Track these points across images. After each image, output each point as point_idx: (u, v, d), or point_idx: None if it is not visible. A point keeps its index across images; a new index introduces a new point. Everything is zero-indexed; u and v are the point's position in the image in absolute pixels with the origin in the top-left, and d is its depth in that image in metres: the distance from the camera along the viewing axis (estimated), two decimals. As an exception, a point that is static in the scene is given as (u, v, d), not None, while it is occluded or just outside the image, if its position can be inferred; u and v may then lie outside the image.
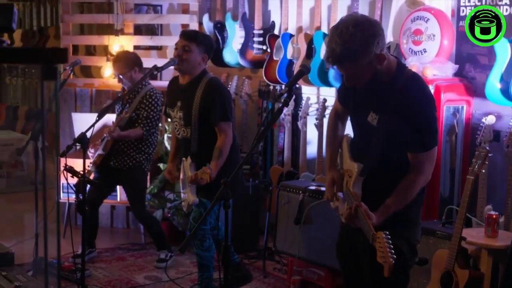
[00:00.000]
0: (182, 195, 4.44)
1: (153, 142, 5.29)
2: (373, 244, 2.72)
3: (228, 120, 4.22)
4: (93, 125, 4.18)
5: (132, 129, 5.14)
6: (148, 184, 5.62)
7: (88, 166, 5.00)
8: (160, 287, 4.90)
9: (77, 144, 4.17)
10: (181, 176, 4.36)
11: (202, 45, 4.25)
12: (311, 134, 5.56)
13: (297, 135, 5.76)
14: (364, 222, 2.83)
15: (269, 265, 5.23)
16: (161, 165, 5.82)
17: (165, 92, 4.65)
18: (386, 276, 2.65)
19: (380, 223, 2.89)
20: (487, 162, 3.71)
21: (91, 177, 5.10)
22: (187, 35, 4.29)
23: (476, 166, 3.66)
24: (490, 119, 4.20)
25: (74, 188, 4.01)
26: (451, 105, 4.52)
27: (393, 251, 2.63)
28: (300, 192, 4.71)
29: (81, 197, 3.97)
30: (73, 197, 4.99)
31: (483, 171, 3.79)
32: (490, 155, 3.71)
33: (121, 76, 5.19)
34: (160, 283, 4.94)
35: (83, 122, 5.53)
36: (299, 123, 5.58)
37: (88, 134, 4.19)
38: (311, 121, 5.52)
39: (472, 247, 3.79)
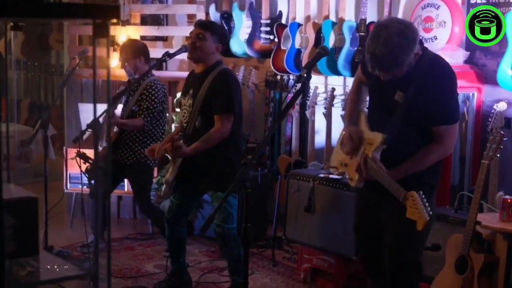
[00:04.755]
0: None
1: (157, 135, 5.17)
2: (403, 202, 2.95)
3: (230, 112, 4.16)
4: (105, 112, 4.18)
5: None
6: (156, 174, 5.59)
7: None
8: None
9: (89, 130, 4.17)
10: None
11: (216, 34, 4.25)
12: (319, 123, 5.55)
13: (304, 125, 5.75)
14: (388, 180, 3.07)
15: (278, 254, 5.22)
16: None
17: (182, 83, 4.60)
18: (419, 230, 2.94)
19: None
20: (502, 146, 3.70)
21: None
22: (202, 24, 4.30)
23: (491, 151, 3.66)
24: (501, 106, 4.19)
25: (87, 175, 3.99)
26: (462, 92, 4.50)
27: (428, 208, 2.88)
28: (311, 180, 4.70)
29: (93, 183, 3.95)
30: (79, 187, 4.99)
31: (498, 155, 3.78)
32: (505, 139, 3.71)
33: (126, 64, 5.14)
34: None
35: (89, 112, 5.51)
36: (307, 113, 5.57)
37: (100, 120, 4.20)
38: (319, 110, 5.51)
39: (487, 232, 3.79)
